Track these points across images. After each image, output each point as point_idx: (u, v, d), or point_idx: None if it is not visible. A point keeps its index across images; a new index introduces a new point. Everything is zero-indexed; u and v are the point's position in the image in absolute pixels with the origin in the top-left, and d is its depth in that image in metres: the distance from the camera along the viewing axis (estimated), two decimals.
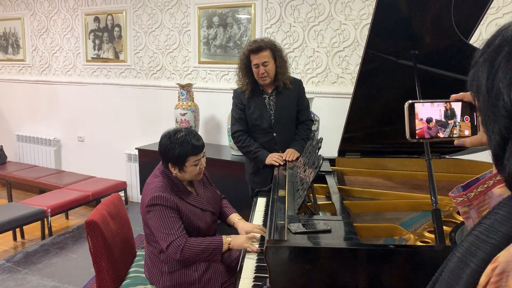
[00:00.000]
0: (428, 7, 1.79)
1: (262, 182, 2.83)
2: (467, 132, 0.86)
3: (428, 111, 0.88)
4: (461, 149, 2.52)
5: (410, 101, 0.88)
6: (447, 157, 2.52)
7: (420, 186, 2.29)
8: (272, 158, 2.67)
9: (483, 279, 0.57)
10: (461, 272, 0.63)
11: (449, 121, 0.87)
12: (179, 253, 1.88)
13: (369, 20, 3.35)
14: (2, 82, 5.80)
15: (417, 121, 0.88)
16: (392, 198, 2.04)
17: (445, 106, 0.88)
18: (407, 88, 2.10)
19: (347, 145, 2.50)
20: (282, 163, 2.62)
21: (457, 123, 0.87)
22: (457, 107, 0.87)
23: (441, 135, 0.87)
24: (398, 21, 1.82)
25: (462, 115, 0.87)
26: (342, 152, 2.56)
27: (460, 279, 0.63)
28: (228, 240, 1.94)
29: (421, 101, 0.88)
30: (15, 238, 3.94)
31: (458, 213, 1.83)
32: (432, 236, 1.63)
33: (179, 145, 1.93)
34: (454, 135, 0.87)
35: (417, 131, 0.88)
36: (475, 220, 0.83)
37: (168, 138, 1.98)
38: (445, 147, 2.46)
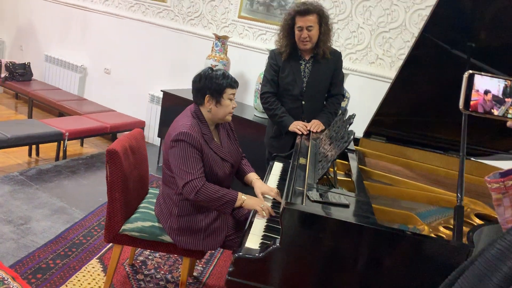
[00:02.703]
0: (493, 2, 1.71)
1: (281, 147, 2.82)
2: None
3: (486, 84, 0.85)
4: (489, 154, 2.47)
5: (470, 71, 0.85)
6: (472, 159, 2.48)
7: (440, 181, 2.27)
8: (296, 126, 2.65)
9: None
10: (501, 264, 0.62)
11: (507, 99, 0.84)
12: (194, 194, 1.90)
13: (422, 6, 3.26)
14: (40, 0, 5.76)
15: (473, 92, 0.85)
16: (411, 188, 2.03)
17: (506, 83, 0.85)
18: (451, 82, 2.03)
19: (375, 127, 2.46)
20: (305, 133, 2.60)
21: None
22: None
23: (495, 112, 0.84)
24: (460, 10, 1.74)
25: None
26: (368, 133, 2.53)
27: (497, 271, 0.62)
28: (243, 198, 1.96)
29: (482, 73, 0.85)
30: (30, 154, 4.02)
31: (476, 215, 1.82)
32: (447, 231, 1.63)
33: (219, 76, 2.01)
34: (509, 115, 0.84)
35: (471, 103, 0.85)
36: (508, 208, 0.81)
37: (209, 69, 2.06)
38: (473, 149, 2.41)
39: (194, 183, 1.90)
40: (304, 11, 2.56)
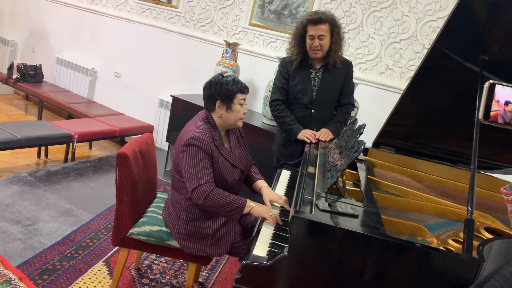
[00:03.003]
0: (507, 15, 1.71)
1: (289, 155, 2.82)
2: None
3: (507, 95, 0.85)
4: (499, 167, 2.46)
5: (491, 81, 0.84)
6: (481, 172, 2.47)
7: (449, 194, 2.26)
8: (305, 134, 2.65)
9: None
10: None
11: None
12: (203, 199, 1.90)
13: (434, 17, 3.26)
14: (52, 3, 5.84)
15: (493, 103, 0.84)
16: (419, 199, 2.02)
17: None
18: (462, 95, 2.03)
19: (385, 138, 2.46)
20: (314, 142, 2.60)
21: None
22: None
23: None
24: (473, 23, 1.74)
25: None
26: (377, 144, 2.53)
27: None
28: (251, 205, 1.95)
29: (503, 83, 0.85)
30: (39, 156, 4.05)
31: (485, 229, 1.80)
32: (456, 245, 1.61)
33: (230, 82, 2.03)
34: None
35: (491, 113, 0.84)
36: None
37: (220, 75, 2.09)
38: (483, 162, 2.39)
39: (203, 188, 1.91)
40: (316, 20, 2.57)
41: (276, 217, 1.87)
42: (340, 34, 2.66)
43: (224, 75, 2.11)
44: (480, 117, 0.83)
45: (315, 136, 2.63)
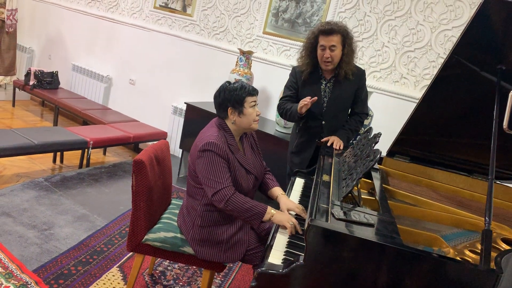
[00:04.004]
0: None
1: (300, 163, 2.83)
2: None
3: None
4: None
5: None
6: (498, 182, 2.44)
7: (465, 204, 2.24)
8: (300, 104, 2.56)
9: None
10: None
11: None
12: (224, 203, 1.92)
13: (449, 26, 3.25)
14: (69, 11, 5.95)
15: None
16: (435, 209, 2.00)
17: None
18: (478, 104, 2.03)
19: (399, 147, 2.45)
20: (309, 105, 2.54)
21: None
22: None
23: None
24: (491, 33, 1.73)
25: None
26: (391, 152, 2.52)
27: None
28: (272, 212, 1.95)
29: None
30: (54, 161, 4.11)
31: (503, 240, 1.78)
32: (473, 255, 1.60)
33: (237, 88, 2.06)
34: None
35: None
36: None
37: (227, 82, 2.12)
38: (500, 172, 2.37)
39: (224, 192, 1.92)
40: (328, 30, 2.55)
41: (296, 226, 1.87)
42: (352, 45, 2.63)
43: (232, 82, 2.14)
44: (504, 126, 0.82)
45: (310, 99, 2.53)
